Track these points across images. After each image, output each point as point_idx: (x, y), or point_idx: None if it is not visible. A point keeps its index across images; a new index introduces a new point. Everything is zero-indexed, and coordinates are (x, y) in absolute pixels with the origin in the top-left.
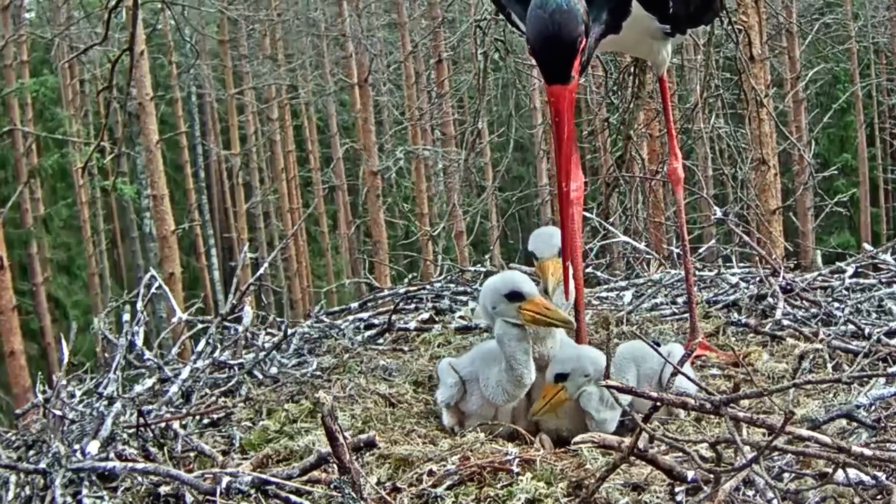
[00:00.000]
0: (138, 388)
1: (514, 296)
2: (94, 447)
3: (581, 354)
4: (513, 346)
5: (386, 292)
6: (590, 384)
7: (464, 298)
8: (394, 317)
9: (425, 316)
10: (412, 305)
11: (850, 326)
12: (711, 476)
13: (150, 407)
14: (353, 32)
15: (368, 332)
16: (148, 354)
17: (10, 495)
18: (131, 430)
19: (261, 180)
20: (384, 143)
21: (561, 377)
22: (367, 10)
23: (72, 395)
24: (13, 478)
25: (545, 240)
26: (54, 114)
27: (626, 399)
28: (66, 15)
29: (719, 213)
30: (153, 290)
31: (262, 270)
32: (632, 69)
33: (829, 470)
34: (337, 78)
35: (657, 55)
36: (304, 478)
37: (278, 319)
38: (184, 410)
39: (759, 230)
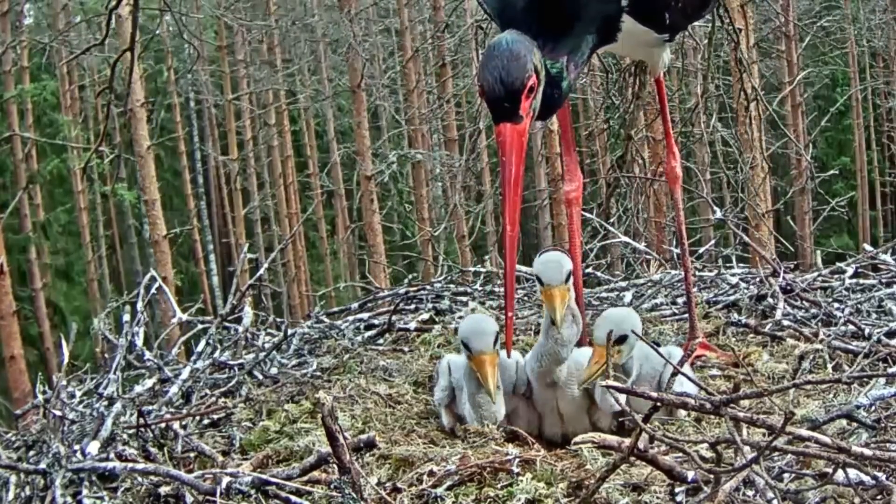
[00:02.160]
0: (138, 389)
1: (465, 346)
2: (94, 447)
3: (630, 315)
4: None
5: (386, 293)
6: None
7: (464, 299)
8: (394, 317)
9: (425, 316)
10: (412, 306)
11: (850, 327)
12: (711, 476)
13: (151, 407)
14: (346, 38)
15: (368, 333)
16: (148, 355)
17: (11, 495)
18: (131, 431)
19: (259, 185)
20: (381, 147)
21: (621, 340)
22: (365, 16)
23: (72, 396)
24: (13, 478)
25: (554, 266)
26: (53, 119)
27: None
28: (66, 21)
29: (719, 214)
30: (153, 291)
31: (262, 271)
32: (632, 69)
33: (829, 470)
34: (335, 84)
35: (656, 59)
36: (304, 478)
37: (278, 320)
38: (184, 411)
39: (757, 231)
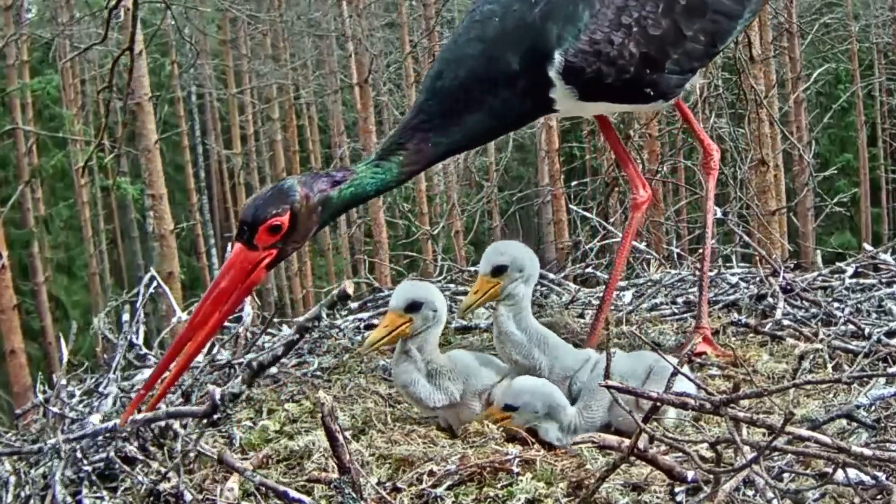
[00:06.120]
0: (138, 388)
1: None
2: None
3: (535, 391)
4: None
5: (386, 292)
6: (544, 420)
7: (463, 298)
8: None
9: None
10: None
11: (850, 326)
12: (711, 476)
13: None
14: (353, 33)
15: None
16: (149, 354)
17: (10, 497)
18: (131, 431)
19: (261, 180)
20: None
21: (509, 408)
22: (367, 11)
23: (72, 395)
24: (13, 479)
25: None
26: (55, 113)
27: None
28: (69, 15)
29: (719, 213)
30: (152, 289)
31: None
32: None
33: (829, 470)
34: (340, 77)
35: (663, 109)
36: (304, 478)
37: (279, 319)
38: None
39: (760, 231)
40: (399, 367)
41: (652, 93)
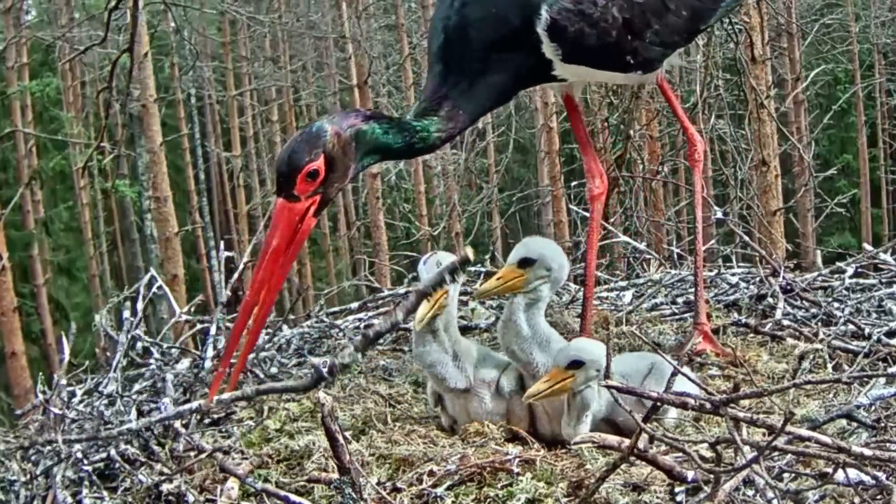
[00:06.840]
0: (138, 387)
1: None
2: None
3: (595, 351)
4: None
5: (386, 293)
6: (594, 391)
7: (464, 298)
8: None
9: None
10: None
11: (850, 326)
12: (711, 476)
13: (152, 405)
14: (352, 35)
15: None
16: (154, 352)
17: (21, 500)
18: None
19: (261, 182)
20: None
21: (576, 364)
22: (367, 13)
23: (72, 395)
24: (21, 478)
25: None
26: (55, 115)
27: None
28: (68, 17)
29: (719, 214)
30: (153, 290)
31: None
32: None
33: (829, 470)
34: (339, 79)
35: (647, 83)
36: (305, 478)
37: (277, 319)
38: (185, 408)
39: (760, 231)
40: (428, 347)
41: (632, 61)
